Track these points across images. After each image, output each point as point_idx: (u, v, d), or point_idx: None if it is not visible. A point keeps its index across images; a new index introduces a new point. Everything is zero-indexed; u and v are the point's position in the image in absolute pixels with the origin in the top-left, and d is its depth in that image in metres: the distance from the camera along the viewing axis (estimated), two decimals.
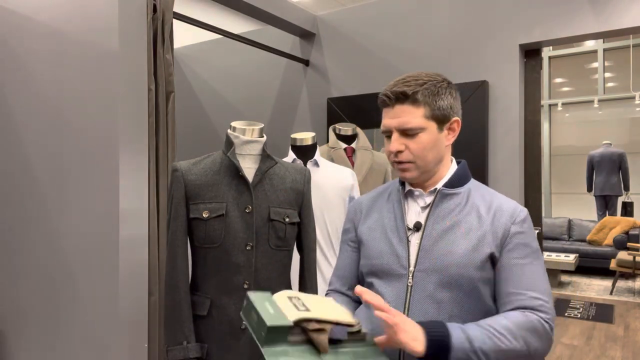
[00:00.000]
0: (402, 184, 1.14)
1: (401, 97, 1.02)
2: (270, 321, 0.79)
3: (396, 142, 1.03)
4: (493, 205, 1.05)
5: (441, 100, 1.04)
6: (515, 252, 1.01)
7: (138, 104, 1.90)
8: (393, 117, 1.04)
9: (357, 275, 1.18)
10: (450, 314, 0.99)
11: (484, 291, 1.01)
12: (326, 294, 1.22)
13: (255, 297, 0.86)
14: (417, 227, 1.06)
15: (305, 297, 0.90)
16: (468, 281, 1.00)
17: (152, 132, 1.96)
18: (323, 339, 0.80)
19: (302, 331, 0.81)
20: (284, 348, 0.79)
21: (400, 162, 1.05)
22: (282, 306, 0.84)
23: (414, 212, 1.09)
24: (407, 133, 1.03)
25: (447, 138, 1.07)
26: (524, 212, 1.05)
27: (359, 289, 0.88)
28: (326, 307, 0.87)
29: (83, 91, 1.96)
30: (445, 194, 1.07)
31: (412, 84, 1.02)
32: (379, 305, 0.86)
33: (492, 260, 1.01)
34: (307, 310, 0.84)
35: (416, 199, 1.10)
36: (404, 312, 1.01)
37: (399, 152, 1.04)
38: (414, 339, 0.85)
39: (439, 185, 1.08)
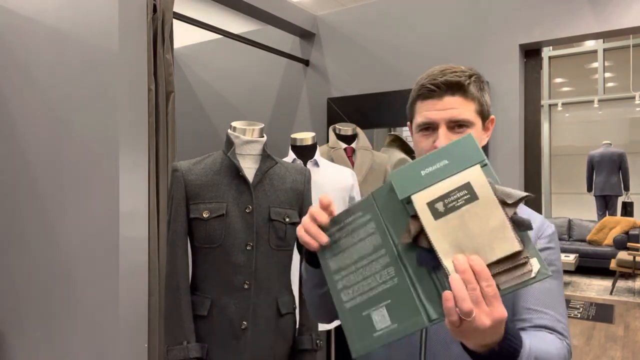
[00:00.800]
0: None
1: (454, 88, 0.91)
2: (397, 175, 0.68)
3: (445, 138, 0.91)
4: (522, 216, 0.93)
5: (486, 95, 0.95)
6: None
7: (138, 104, 1.90)
8: (442, 108, 0.91)
9: None
10: None
11: (508, 308, 0.91)
12: None
13: (452, 148, 0.67)
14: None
15: (483, 203, 0.63)
16: None
17: (152, 132, 1.96)
18: (405, 238, 0.67)
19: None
20: (396, 199, 0.69)
21: None
22: (442, 184, 0.66)
23: None
24: (457, 127, 0.92)
25: (483, 139, 0.97)
26: (551, 227, 0.95)
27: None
28: (470, 229, 0.63)
29: (83, 91, 1.96)
30: None
31: (462, 76, 0.92)
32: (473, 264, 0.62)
33: None
34: (442, 214, 0.64)
35: None
36: (421, 334, 0.90)
37: None
38: (471, 343, 0.65)
39: None
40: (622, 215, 7.15)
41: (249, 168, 1.55)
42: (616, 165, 7.19)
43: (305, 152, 2.06)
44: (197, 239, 1.49)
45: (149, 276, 1.92)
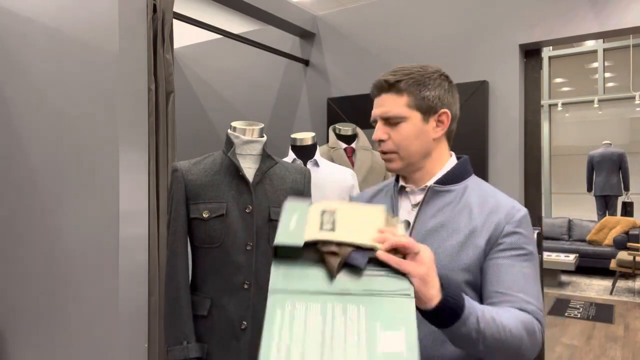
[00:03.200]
0: (397, 180, 1.11)
1: (384, 86, 1.02)
2: (280, 238, 0.72)
3: (379, 131, 1.02)
4: (488, 203, 0.99)
5: (427, 90, 1.01)
6: (506, 252, 0.94)
7: (138, 104, 1.90)
8: (377, 106, 1.03)
9: None
10: None
11: (470, 294, 0.96)
12: None
13: (290, 206, 0.79)
14: (406, 225, 1.03)
15: (344, 210, 0.80)
16: None
17: (152, 132, 1.96)
18: (332, 262, 0.72)
19: (318, 250, 0.74)
20: (291, 264, 0.73)
21: (384, 152, 1.04)
22: (309, 221, 0.76)
23: (405, 210, 1.06)
24: (390, 122, 1.01)
25: (435, 131, 1.03)
26: (521, 211, 0.97)
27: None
28: (357, 225, 0.77)
29: (83, 91, 1.96)
30: (436, 191, 1.03)
31: (399, 74, 1.01)
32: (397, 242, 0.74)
33: (479, 261, 0.95)
34: (331, 230, 0.75)
35: (408, 195, 1.07)
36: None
37: (382, 141, 1.02)
38: (432, 288, 0.75)
39: (431, 182, 1.04)
40: (622, 215, 7.15)
41: (249, 168, 1.55)
42: (616, 165, 7.19)
43: (305, 152, 2.06)
44: (197, 239, 1.49)
45: (149, 276, 1.92)
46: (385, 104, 1.01)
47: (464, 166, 1.06)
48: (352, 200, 1.22)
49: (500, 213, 0.97)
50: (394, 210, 1.07)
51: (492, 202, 0.99)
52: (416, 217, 1.02)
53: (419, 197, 1.05)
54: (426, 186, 1.04)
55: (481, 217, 0.97)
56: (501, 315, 0.85)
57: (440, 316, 0.77)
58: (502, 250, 0.94)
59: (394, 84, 1.00)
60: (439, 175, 1.05)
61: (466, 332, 0.80)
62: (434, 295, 0.76)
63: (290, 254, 0.73)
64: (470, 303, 0.81)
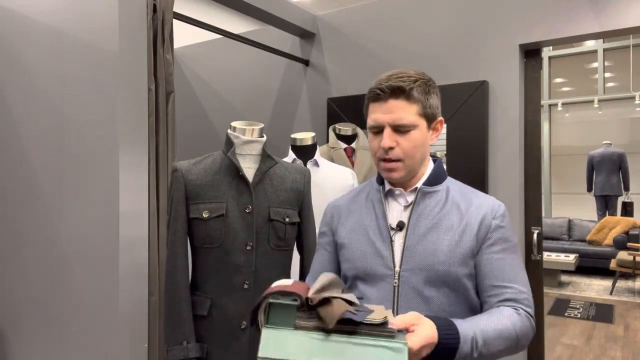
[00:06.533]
0: (381, 183, 1.13)
1: (397, 92, 1.00)
2: (272, 299, 0.75)
3: (389, 138, 1.01)
4: (473, 202, 1.06)
5: (431, 99, 1.04)
6: (497, 246, 1.03)
7: (138, 104, 1.90)
8: (386, 112, 1.01)
9: None
10: (439, 310, 1.00)
11: (469, 285, 1.03)
12: None
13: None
14: (400, 226, 1.05)
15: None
16: (454, 277, 1.00)
17: (152, 132, 1.96)
18: (329, 310, 0.73)
19: (311, 313, 0.75)
20: (282, 331, 0.73)
21: (389, 160, 1.03)
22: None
23: (396, 211, 1.08)
24: (400, 129, 1.01)
25: (432, 138, 1.08)
26: (502, 206, 1.07)
27: None
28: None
29: (83, 91, 1.96)
30: (426, 192, 1.07)
31: (407, 80, 1.01)
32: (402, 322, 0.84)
33: (473, 254, 1.03)
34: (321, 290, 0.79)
35: (397, 198, 1.10)
36: (392, 312, 0.99)
37: (391, 148, 1.02)
38: (428, 341, 0.83)
39: (419, 184, 1.08)
40: (622, 215, 7.15)
41: (249, 168, 1.55)
42: (616, 165, 7.18)
43: (305, 152, 2.06)
44: (197, 239, 1.49)
45: (149, 276, 1.92)
46: (397, 111, 1.00)
47: (442, 168, 1.13)
48: (330, 206, 1.22)
49: (486, 208, 1.05)
50: (383, 213, 1.08)
51: (475, 200, 1.07)
52: (410, 218, 1.05)
53: (409, 199, 1.08)
54: (416, 188, 1.08)
55: (470, 213, 1.04)
56: (494, 329, 0.92)
57: (437, 357, 0.86)
58: (491, 245, 1.03)
59: (406, 91, 1.00)
60: (424, 177, 1.09)
61: (464, 357, 0.88)
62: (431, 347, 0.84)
63: (282, 320, 0.74)
64: (465, 336, 0.88)
